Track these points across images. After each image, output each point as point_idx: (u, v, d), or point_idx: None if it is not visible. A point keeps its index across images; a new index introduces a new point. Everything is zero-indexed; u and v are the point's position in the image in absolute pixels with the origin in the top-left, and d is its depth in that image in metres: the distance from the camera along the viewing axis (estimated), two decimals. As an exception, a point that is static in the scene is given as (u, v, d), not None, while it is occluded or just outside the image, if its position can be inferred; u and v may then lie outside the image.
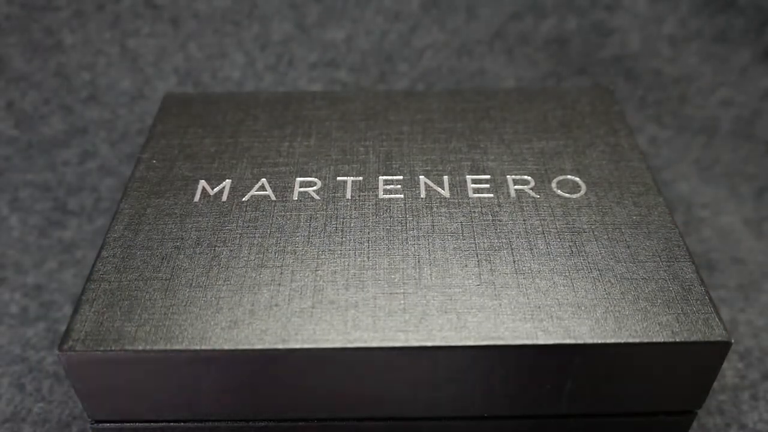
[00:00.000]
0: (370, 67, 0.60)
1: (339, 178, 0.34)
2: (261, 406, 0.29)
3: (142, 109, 0.57)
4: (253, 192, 0.33)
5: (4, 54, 0.58)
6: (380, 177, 0.34)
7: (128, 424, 0.29)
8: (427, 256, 0.30)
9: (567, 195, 0.33)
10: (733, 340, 0.27)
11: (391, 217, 0.32)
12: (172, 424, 0.29)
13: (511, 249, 0.30)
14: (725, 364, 0.40)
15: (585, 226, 0.31)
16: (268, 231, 0.31)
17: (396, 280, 0.29)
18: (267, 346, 0.26)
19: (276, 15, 0.60)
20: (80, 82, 0.58)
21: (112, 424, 0.29)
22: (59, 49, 0.58)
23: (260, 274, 0.29)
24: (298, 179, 0.34)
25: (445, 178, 0.34)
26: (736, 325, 0.42)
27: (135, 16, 0.59)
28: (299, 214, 0.32)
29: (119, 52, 0.59)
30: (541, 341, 0.27)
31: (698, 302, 0.28)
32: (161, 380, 0.27)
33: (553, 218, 0.32)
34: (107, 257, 0.30)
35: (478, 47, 0.61)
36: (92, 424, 0.29)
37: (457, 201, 0.33)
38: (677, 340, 0.27)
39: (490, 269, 0.29)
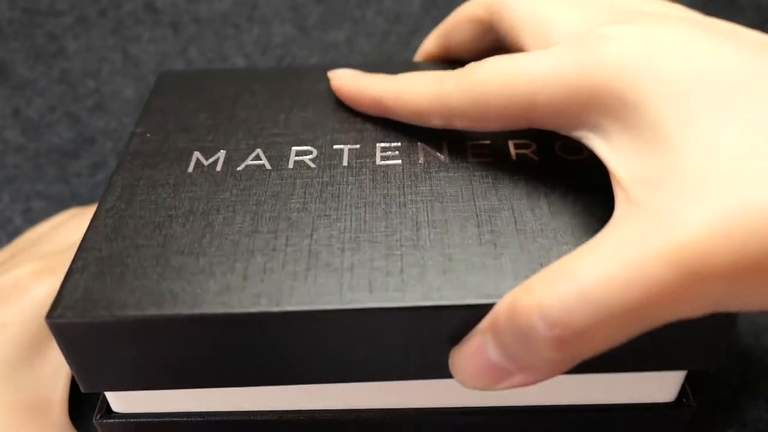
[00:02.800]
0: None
1: (336, 147, 0.34)
2: (255, 372, 0.28)
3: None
4: (248, 162, 0.33)
5: (8, 60, 0.58)
6: (378, 144, 0.34)
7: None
8: (426, 218, 0.29)
9: (570, 157, 0.33)
10: None
11: (388, 182, 0.31)
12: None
13: (512, 210, 0.30)
14: (725, 362, 0.39)
15: (589, 187, 0.31)
16: (263, 198, 0.31)
17: (393, 242, 0.28)
18: (261, 309, 0.26)
19: (276, 17, 0.61)
20: (85, 90, 0.58)
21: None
22: (63, 56, 0.59)
23: (254, 240, 0.29)
24: (294, 148, 0.34)
25: (445, 143, 0.34)
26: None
27: (136, 21, 0.59)
28: (294, 182, 0.32)
29: (122, 59, 0.59)
30: None
31: None
32: (153, 348, 0.27)
33: (556, 180, 0.31)
34: (98, 226, 0.29)
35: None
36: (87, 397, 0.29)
37: (456, 165, 0.32)
38: None
39: (491, 230, 0.29)
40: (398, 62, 0.41)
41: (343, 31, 0.61)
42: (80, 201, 0.52)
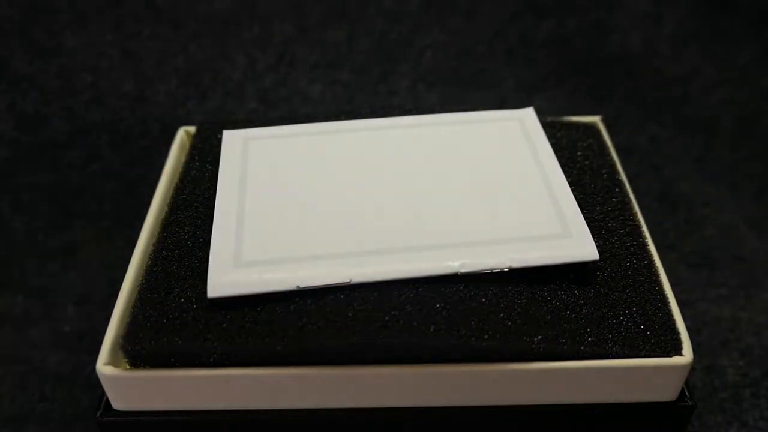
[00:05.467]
0: (371, 67, 0.60)
1: None
2: None
3: (144, 111, 0.57)
4: None
5: (5, 55, 0.58)
6: None
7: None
8: None
9: None
10: None
11: None
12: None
13: None
14: (726, 362, 0.40)
15: None
16: None
17: None
18: None
19: (276, 16, 0.60)
20: (82, 84, 0.58)
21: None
22: (61, 52, 0.58)
23: None
24: None
25: None
26: (737, 322, 0.42)
27: (136, 19, 0.59)
28: None
29: (121, 55, 0.59)
30: None
31: None
32: None
33: None
34: None
35: (478, 47, 0.61)
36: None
37: None
38: None
39: None
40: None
41: (343, 31, 0.61)
42: (70, 191, 0.52)
